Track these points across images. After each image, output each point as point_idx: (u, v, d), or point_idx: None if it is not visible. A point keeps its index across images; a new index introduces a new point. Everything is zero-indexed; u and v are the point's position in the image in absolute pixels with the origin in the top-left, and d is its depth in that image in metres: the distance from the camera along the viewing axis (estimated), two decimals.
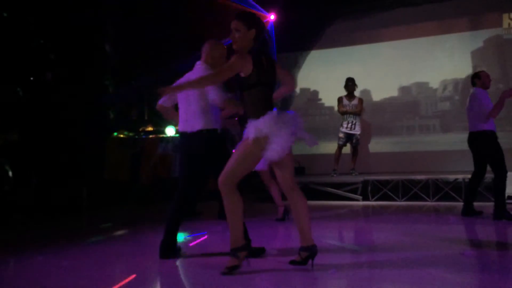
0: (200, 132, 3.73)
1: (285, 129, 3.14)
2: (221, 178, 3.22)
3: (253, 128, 3.14)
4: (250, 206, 7.68)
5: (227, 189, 3.19)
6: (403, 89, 9.64)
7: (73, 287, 3.09)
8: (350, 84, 8.48)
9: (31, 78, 7.29)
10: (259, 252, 3.78)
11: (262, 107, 3.20)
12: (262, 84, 3.23)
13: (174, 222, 3.80)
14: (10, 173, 6.14)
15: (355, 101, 8.44)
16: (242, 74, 3.22)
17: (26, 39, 7.00)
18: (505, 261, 3.57)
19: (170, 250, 3.76)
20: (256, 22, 3.30)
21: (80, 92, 7.64)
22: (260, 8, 9.44)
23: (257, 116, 3.17)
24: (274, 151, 3.10)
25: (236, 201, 3.21)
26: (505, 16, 8.76)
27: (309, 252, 3.26)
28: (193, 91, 3.73)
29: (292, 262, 3.36)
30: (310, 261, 3.28)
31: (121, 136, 8.89)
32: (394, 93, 9.74)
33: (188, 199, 3.86)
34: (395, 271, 3.22)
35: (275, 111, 3.20)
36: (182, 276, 3.37)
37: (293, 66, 10.45)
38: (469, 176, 6.35)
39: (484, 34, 8.95)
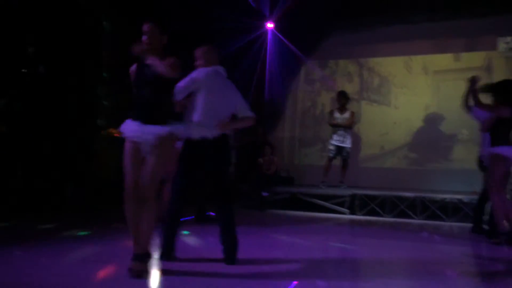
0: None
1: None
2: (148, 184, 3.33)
3: None
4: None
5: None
6: (396, 105, 9.67)
7: (53, 284, 3.03)
8: (342, 97, 8.49)
9: (23, 70, 7.19)
10: None
11: None
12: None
13: (173, 224, 3.77)
14: None
15: (346, 114, 8.43)
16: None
17: (18, 31, 6.92)
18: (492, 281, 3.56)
19: (167, 252, 3.74)
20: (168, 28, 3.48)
21: (72, 86, 7.55)
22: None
23: None
24: None
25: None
26: (501, 40, 8.83)
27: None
28: (217, 99, 3.77)
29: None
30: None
31: (112, 134, 8.80)
32: (387, 108, 9.77)
33: (183, 200, 3.82)
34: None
35: None
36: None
37: (289, 75, 10.44)
38: (457, 196, 6.36)
39: (478, 56, 9.02)
